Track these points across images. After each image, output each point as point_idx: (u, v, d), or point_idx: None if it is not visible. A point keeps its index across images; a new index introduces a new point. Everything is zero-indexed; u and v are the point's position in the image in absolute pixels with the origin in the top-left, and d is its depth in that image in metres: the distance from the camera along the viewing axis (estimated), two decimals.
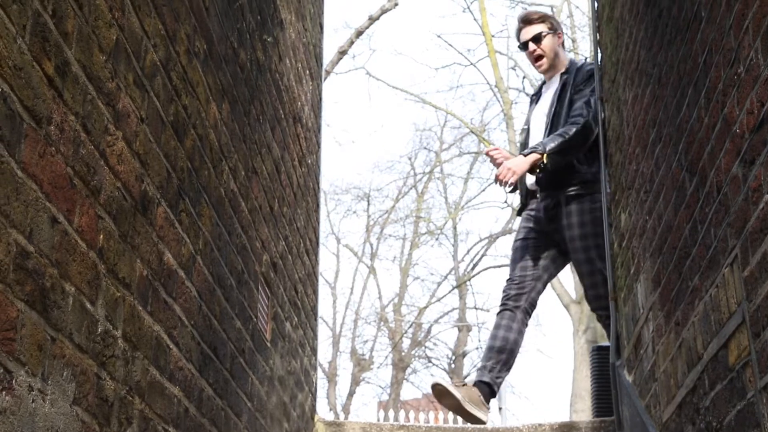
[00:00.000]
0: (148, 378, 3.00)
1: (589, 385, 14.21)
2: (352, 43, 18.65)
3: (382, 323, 28.10)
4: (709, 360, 3.57)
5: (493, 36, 20.16)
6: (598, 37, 6.67)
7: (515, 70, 21.30)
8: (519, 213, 5.04)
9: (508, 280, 4.99)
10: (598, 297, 4.66)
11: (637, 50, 5.01)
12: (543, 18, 4.91)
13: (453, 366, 25.69)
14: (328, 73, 17.89)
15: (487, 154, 4.79)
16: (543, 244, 4.84)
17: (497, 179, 4.75)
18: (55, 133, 2.36)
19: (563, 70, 4.97)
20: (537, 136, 4.87)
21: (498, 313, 4.89)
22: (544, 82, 5.10)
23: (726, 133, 3.25)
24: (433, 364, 27.64)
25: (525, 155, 4.76)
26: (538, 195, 4.73)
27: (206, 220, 3.75)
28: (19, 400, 2.13)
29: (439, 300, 27.17)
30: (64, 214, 2.41)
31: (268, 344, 4.99)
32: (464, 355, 25.65)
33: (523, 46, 4.91)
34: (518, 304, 4.98)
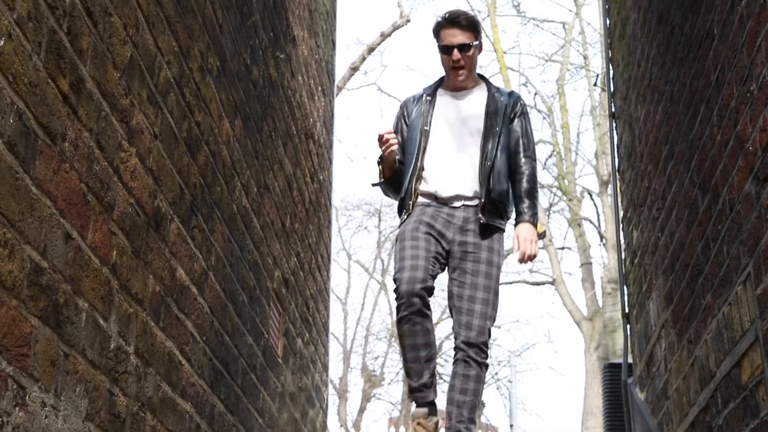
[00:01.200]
0: (160, 394, 3.00)
1: (600, 402, 14.17)
2: (363, 59, 18.71)
3: (393, 339, 28.08)
4: (722, 378, 3.55)
5: (504, 52, 20.22)
6: (610, 54, 6.68)
7: (527, 86, 21.33)
8: (403, 208, 4.16)
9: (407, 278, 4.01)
10: (483, 331, 3.97)
11: (649, 67, 5.02)
12: (474, 26, 4.23)
13: None
14: (339, 89, 17.94)
15: (380, 137, 4.11)
16: (435, 243, 4.03)
17: (527, 258, 4.06)
18: (70, 150, 2.37)
19: (476, 83, 4.30)
20: (447, 143, 4.17)
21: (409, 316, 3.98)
22: (437, 85, 4.35)
23: (739, 151, 3.25)
24: (444, 380, 27.61)
25: (531, 223, 4.12)
26: (456, 204, 4.08)
27: (219, 236, 3.76)
28: (32, 416, 2.14)
29: (450, 316, 26.96)
30: (77, 230, 2.42)
31: (280, 360, 4.99)
32: None
33: (445, 49, 4.19)
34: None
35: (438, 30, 4.24)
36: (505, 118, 4.22)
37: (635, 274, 5.73)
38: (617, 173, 6.41)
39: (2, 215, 2.04)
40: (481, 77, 4.39)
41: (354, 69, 18.67)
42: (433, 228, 4.07)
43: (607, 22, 6.83)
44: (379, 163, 4.26)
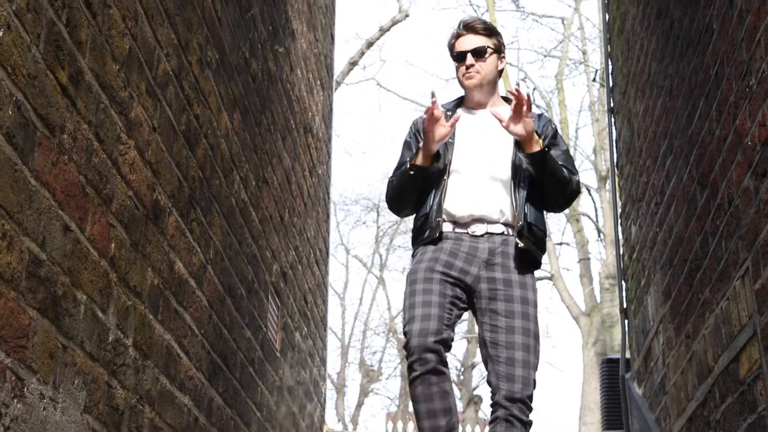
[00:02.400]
0: (158, 387, 3.00)
1: (598, 397, 14.18)
2: (362, 53, 18.70)
3: (391, 334, 28.06)
4: (720, 373, 3.56)
5: None
6: (608, 49, 6.67)
7: (525, 81, 21.32)
8: (424, 241, 3.55)
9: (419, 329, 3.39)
10: (527, 383, 3.29)
11: (648, 62, 5.02)
12: (490, 32, 3.72)
13: (462, 377, 25.66)
14: (338, 83, 17.93)
15: (429, 112, 3.51)
16: (452, 285, 3.39)
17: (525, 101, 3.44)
18: (68, 142, 2.37)
19: (500, 104, 3.71)
20: (473, 160, 3.59)
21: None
22: (457, 104, 3.76)
23: (737, 146, 3.25)
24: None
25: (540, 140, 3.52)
26: (478, 232, 3.46)
27: (217, 229, 3.76)
28: (30, 408, 2.14)
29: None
30: (76, 223, 2.42)
31: (278, 354, 4.99)
32: (473, 366, 25.62)
33: (458, 57, 3.66)
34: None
35: (453, 42, 3.75)
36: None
37: (633, 270, 5.73)
38: (616, 168, 6.41)
39: (1, 207, 2.04)
40: (506, 100, 3.78)
41: (353, 63, 18.66)
42: (453, 266, 3.47)
43: (606, 17, 6.83)
44: (414, 152, 3.63)
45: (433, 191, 3.59)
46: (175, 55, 3.24)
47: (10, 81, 2.08)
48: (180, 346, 3.23)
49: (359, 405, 26.75)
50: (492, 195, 3.56)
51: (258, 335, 4.51)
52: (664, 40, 4.57)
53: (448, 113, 3.65)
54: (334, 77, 7.83)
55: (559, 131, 3.77)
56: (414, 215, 3.70)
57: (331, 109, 7.38)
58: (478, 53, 3.65)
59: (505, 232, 3.53)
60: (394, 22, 18.61)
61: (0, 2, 2.04)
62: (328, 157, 7.12)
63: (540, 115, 3.78)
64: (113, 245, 2.66)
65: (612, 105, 6.56)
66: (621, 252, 6.28)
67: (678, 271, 4.33)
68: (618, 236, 6.33)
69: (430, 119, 3.48)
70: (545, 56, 21.59)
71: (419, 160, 3.56)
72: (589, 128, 31.73)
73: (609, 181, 16.00)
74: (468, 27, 3.71)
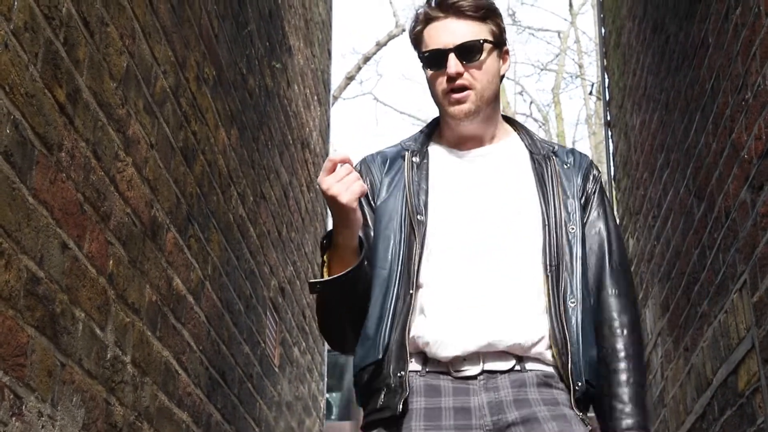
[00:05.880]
0: (156, 404, 3.00)
1: None
2: (359, 68, 18.73)
3: None
4: (719, 386, 3.56)
5: None
6: (605, 63, 6.69)
7: (522, 95, 21.40)
8: (374, 418, 1.99)
9: None
10: None
11: (645, 76, 5.03)
12: (485, 13, 2.15)
13: None
14: (335, 98, 17.96)
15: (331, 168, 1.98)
16: None
17: None
18: (66, 160, 2.37)
19: (503, 132, 2.22)
20: (462, 248, 2.06)
21: None
22: (427, 136, 2.24)
23: (734, 159, 3.26)
24: None
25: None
26: (470, 372, 1.98)
27: (215, 245, 3.76)
28: (29, 426, 2.14)
29: None
30: (74, 240, 2.42)
31: (276, 369, 4.98)
32: None
33: (432, 58, 2.13)
34: None
35: (419, 30, 2.18)
36: (575, 201, 2.15)
37: None
38: (613, 182, 6.42)
39: None
40: (510, 121, 2.28)
41: (350, 78, 18.68)
42: None
43: (602, 31, 6.85)
44: (324, 243, 2.06)
45: (387, 302, 2.01)
46: (173, 72, 3.25)
47: (8, 99, 2.08)
48: (178, 362, 3.23)
49: None
50: (511, 307, 2.01)
51: (256, 351, 4.51)
52: (660, 54, 4.59)
53: (414, 160, 2.16)
54: (331, 92, 7.84)
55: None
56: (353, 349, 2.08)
57: (329, 124, 7.39)
58: (469, 52, 2.11)
59: (522, 368, 1.99)
60: (391, 37, 18.64)
61: None
62: None
63: (571, 151, 2.24)
64: (111, 262, 2.66)
65: (609, 118, 6.58)
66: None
67: (676, 284, 4.33)
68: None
69: (339, 181, 1.97)
70: (542, 70, 21.69)
71: (332, 266, 2.04)
72: (585, 141, 31.79)
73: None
74: (449, 7, 2.13)
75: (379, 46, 18.63)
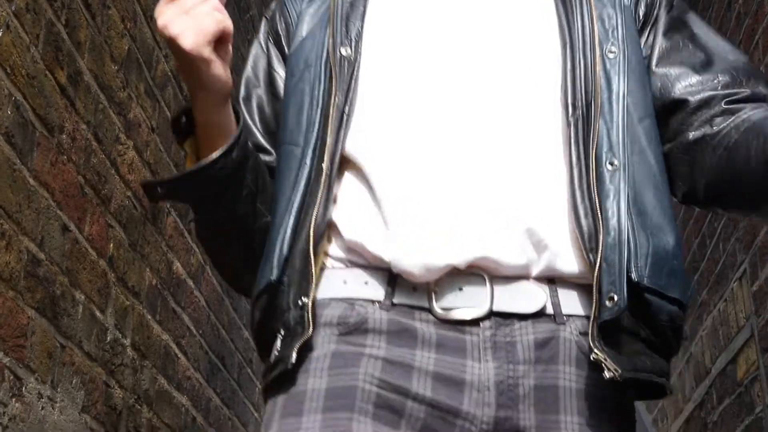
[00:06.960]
0: (156, 387, 3.01)
1: None
2: None
3: None
4: (717, 374, 3.56)
5: None
6: None
7: None
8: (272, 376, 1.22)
9: None
10: None
11: None
12: None
13: None
14: None
15: None
16: None
17: None
18: (67, 142, 2.37)
19: None
20: (429, 102, 1.26)
21: None
22: None
23: None
24: None
25: None
26: (467, 317, 1.18)
27: None
28: (28, 407, 2.14)
29: None
30: (74, 223, 2.42)
31: None
32: None
33: None
34: None
35: None
36: (616, 12, 1.35)
37: None
38: None
39: (0, 206, 2.04)
40: None
41: None
42: (404, 405, 1.17)
43: None
44: (182, 125, 1.33)
45: (294, 194, 1.29)
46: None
47: (9, 81, 2.08)
48: (178, 346, 3.24)
49: None
50: (515, 189, 1.24)
51: None
52: None
53: None
54: None
55: None
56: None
57: None
58: None
59: (557, 313, 1.22)
60: None
61: None
62: None
63: None
64: (112, 245, 2.66)
65: None
66: None
67: None
68: None
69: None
70: None
71: (200, 148, 1.32)
72: None
73: None
74: None
75: None
